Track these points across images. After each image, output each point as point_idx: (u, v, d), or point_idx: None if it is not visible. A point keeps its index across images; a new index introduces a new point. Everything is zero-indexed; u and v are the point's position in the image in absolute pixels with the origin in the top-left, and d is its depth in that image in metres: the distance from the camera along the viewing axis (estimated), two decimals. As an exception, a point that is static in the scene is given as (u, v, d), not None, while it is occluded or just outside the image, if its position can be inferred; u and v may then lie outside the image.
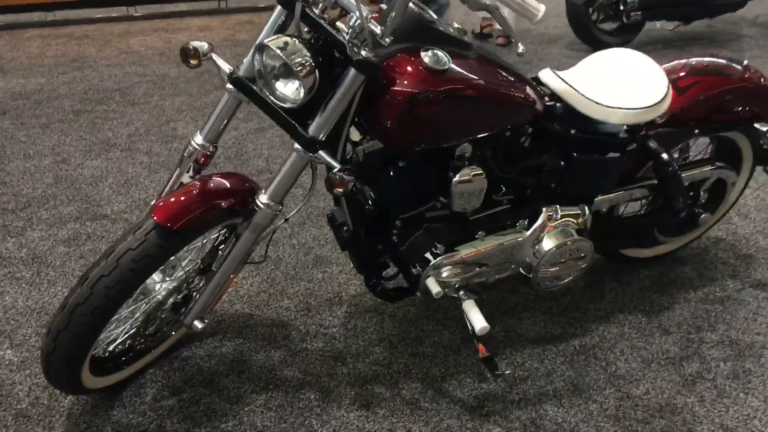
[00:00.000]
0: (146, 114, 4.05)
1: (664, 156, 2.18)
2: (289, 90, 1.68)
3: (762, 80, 2.33)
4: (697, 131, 2.29)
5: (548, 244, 2.13)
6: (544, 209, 2.15)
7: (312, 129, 1.70)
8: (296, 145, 1.72)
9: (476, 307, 2.04)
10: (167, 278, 1.94)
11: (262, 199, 1.77)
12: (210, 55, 1.84)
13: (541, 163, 2.13)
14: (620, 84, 2.15)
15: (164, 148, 3.60)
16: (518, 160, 2.09)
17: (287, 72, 1.65)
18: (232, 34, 5.79)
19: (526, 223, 2.16)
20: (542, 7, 1.57)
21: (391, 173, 1.94)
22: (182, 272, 1.93)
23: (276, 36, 1.65)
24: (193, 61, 1.82)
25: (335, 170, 1.69)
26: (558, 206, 2.17)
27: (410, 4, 1.76)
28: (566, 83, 2.05)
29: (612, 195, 2.29)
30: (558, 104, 2.07)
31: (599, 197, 2.26)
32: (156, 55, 5.21)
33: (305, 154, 1.72)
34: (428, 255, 2.07)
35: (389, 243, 2.10)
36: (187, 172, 1.87)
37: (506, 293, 2.50)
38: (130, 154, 3.55)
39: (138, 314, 1.92)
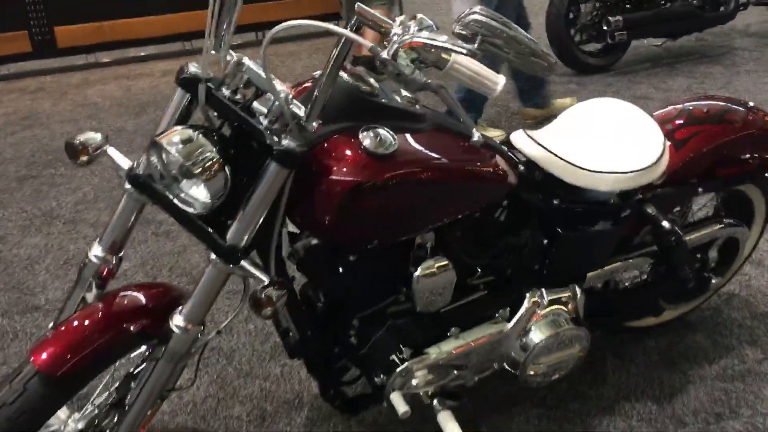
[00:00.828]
0: (96, 177, 3.70)
1: (665, 224, 1.85)
2: (198, 192, 1.35)
3: (770, 123, 2.02)
4: (701, 189, 1.96)
5: (536, 336, 1.80)
6: (527, 295, 1.82)
7: (230, 235, 1.37)
8: (212, 256, 1.39)
9: (453, 420, 1.71)
10: (75, 413, 1.60)
11: (177, 321, 1.43)
12: (105, 149, 1.52)
13: (520, 243, 1.80)
14: (607, 143, 1.83)
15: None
16: (492, 242, 1.76)
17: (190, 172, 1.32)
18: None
19: (508, 312, 1.82)
20: (501, 79, 1.25)
21: (341, 270, 1.61)
22: (92, 408, 1.58)
23: (172, 129, 1.32)
24: (82, 157, 1.49)
25: (261, 286, 1.36)
26: (544, 290, 1.83)
27: (344, 75, 1.44)
28: (542, 147, 1.72)
29: (606, 268, 1.96)
30: (536, 172, 1.75)
31: (591, 273, 1.93)
32: (114, 106, 4.89)
33: (224, 266, 1.39)
34: (394, 358, 1.73)
35: (347, 345, 1.76)
36: (89, 290, 1.53)
37: (493, 381, 2.16)
38: (74, 227, 3.21)
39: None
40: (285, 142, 1.30)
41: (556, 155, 1.72)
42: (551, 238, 1.79)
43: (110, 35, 5.78)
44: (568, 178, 1.74)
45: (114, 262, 1.52)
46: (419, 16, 1.26)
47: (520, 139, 1.75)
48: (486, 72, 1.24)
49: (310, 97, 1.32)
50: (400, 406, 1.66)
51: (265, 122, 1.34)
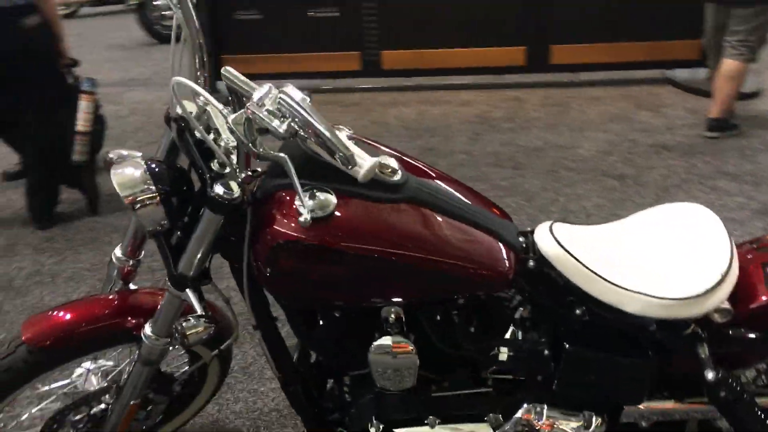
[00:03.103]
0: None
1: (710, 375, 1.47)
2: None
3: None
4: (795, 344, 1.50)
5: (526, 453, 1.58)
6: (525, 406, 1.61)
7: (181, 264, 1.50)
8: (167, 281, 1.54)
9: None
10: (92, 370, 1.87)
11: (147, 330, 1.62)
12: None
13: (519, 346, 1.59)
14: (653, 258, 1.52)
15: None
16: (474, 337, 1.59)
17: None
18: (488, 110, 5.62)
19: (501, 417, 1.63)
20: (367, 164, 1.16)
21: (318, 330, 1.63)
22: (99, 382, 1.85)
23: (130, 158, 1.49)
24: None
25: (182, 318, 1.48)
26: (546, 406, 1.60)
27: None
28: (561, 246, 1.50)
29: (652, 407, 1.61)
30: (551, 272, 1.53)
31: (630, 408, 1.61)
32: (400, 127, 5.29)
33: (174, 290, 1.53)
34: (368, 428, 1.68)
35: (341, 401, 1.77)
36: (115, 286, 1.79)
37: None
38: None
39: (46, 403, 1.88)
40: (216, 189, 1.39)
41: (575, 257, 1.49)
42: (558, 351, 1.55)
43: (429, 62, 6.23)
44: (587, 288, 1.49)
45: (131, 263, 1.75)
46: (278, 88, 1.25)
47: (541, 233, 1.56)
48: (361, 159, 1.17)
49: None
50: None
51: (216, 167, 1.43)
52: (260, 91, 1.26)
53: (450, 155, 4.64)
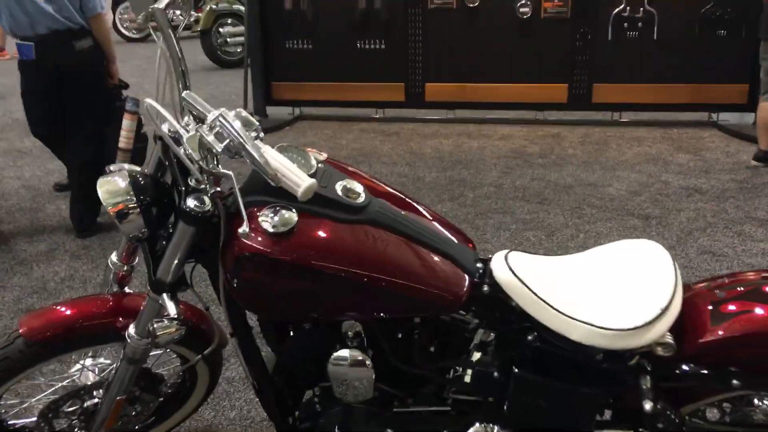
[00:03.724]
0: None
1: (647, 406, 1.51)
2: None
3: None
4: (736, 382, 1.52)
5: (473, 474, 1.65)
6: (476, 425, 1.68)
7: (159, 270, 1.64)
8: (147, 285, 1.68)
9: None
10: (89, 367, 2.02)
11: (130, 330, 1.76)
12: None
13: (470, 367, 1.67)
14: (601, 290, 1.58)
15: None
16: (429, 356, 1.67)
17: None
18: (525, 146, 5.68)
19: (454, 434, 1.71)
20: (305, 184, 1.27)
21: (287, 341, 1.74)
22: (94, 377, 1.99)
23: (118, 168, 1.63)
24: None
25: (161, 319, 1.61)
26: (497, 428, 1.66)
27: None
28: (514, 274, 1.58)
29: (602, 436, 1.66)
30: (504, 299, 1.61)
31: (583, 435, 1.66)
32: (434, 158, 5.40)
33: (153, 294, 1.67)
34: (332, 436, 1.78)
35: (313, 411, 1.87)
36: (111, 290, 1.94)
37: None
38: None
39: (45, 394, 2.03)
40: (189, 202, 1.52)
41: (527, 286, 1.56)
42: (506, 374, 1.62)
43: (471, 96, 6.34)
44: (537, 315, 1.56)
45: (125, 269, 1.90)
46: (233, 112, 1.37)
47: (497, 260, 1.63)
48: (290, 173, 1.29)
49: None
50: (299, 480, 1.72)
51: (192, 182, 1.57)
52: (213, 114, 1.39)
53: (478, 187, 4.71)
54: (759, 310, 1.53)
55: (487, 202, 4.45)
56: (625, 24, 5.95)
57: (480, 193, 4.60)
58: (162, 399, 2.16)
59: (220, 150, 1.35)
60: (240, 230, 1.44)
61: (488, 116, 6.45)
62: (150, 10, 1.55)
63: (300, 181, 1.31)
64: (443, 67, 6.33)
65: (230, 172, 1.41)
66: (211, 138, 1.35)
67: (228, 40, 9.81)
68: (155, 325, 1.62)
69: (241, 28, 9.31)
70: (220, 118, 1.34)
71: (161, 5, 1.58)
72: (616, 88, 6.14)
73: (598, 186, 4.69)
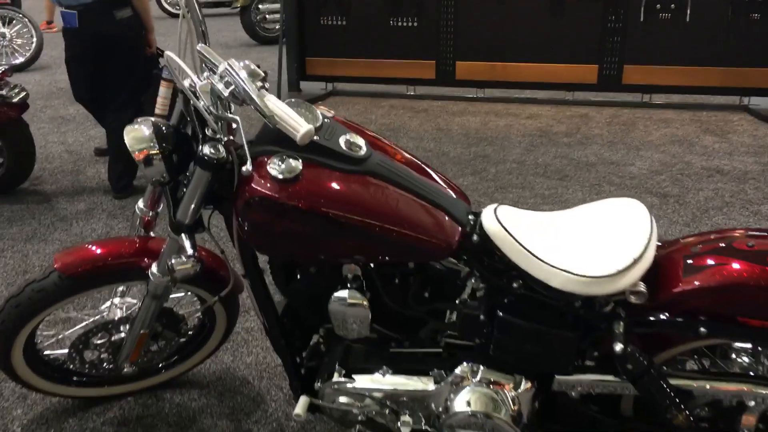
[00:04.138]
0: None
1: (618, 347, 1.63)
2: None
3: None
4: (704, 330, 1.63)
5: (458, 404, 1.79)
6: (464, 363, 1.82)
7: (178, 212, 1.81)
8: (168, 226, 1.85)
9: (359, 450, 1.85)
10: (117, 305, 2.21)
11: (153, 269, 1.94)
12: None
13: (459, 310, 1.80)
14: (583, 241, 1.70)
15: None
16: (421, 300, 1.82)
17: None
18: (552, 125, 5.75)
19: (444, 373, 1.85)
20: (304, 129, 1.42)
21: (294, 283, 1.90)
22: (122, 313, 2.18)
23: (146, 119, 1.79)
24: None
25: (173, 256, 1.78)
26: (482, 366, 1.80)
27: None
28: (501, 225, 1.71)
29: (581, 378, 1.78)
30: (492, 247, 1.74)
31: (563, 377, 1.79)
32: (460, 135, 5.50)
33: (173, 234, 1.84)
34: (333, 372, 1.94)
35: (317, 350, 2.03)
36: (139, 233, 2.12)
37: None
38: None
39: (77, 328, 2.22)
40: (204, 149, 1.68)
41: (513, 236, 1.69)
42: (492, 318, 1.75)
43: (502, 75, 6.42)
44: (521, 263, 1.69)
45: (150, 214, 2.07)
46: (241, 63, 1.51)
47: (487, 211, 1.76)
48: (290, 119, 1.43)
49: None
50: (299, 407, 1.88)
51: (208, 132, 1.72)
52: (222, 64, 1.54)
53: (501, 163, 4.81)
54: (728, 264, 1.63)
55: (509, 177, 4.55)
56: (658, 5, 5.96)
57: (502, 169, 4.71)
58: (183, 339, 2.35)
59: (226, 95, 1.50)
60: (243, 169, 1.59)
61: (517, 95, 6.53)
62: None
63: (299, 126, 1.45)
64: (474, 46, 6.41)
65: (237, 117, 1.56)
66: (220, 86, 1.51)
67: (267, 16, 9.98)
68: (173, 261, 1.79)
69: (279, 5, 9.49)
70: (228, 67, 1.49)
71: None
72: (647, 70, 6.15)
73: (620, 165, 4.75)
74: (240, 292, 2.20)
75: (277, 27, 9.76)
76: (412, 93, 6.75)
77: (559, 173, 4.62)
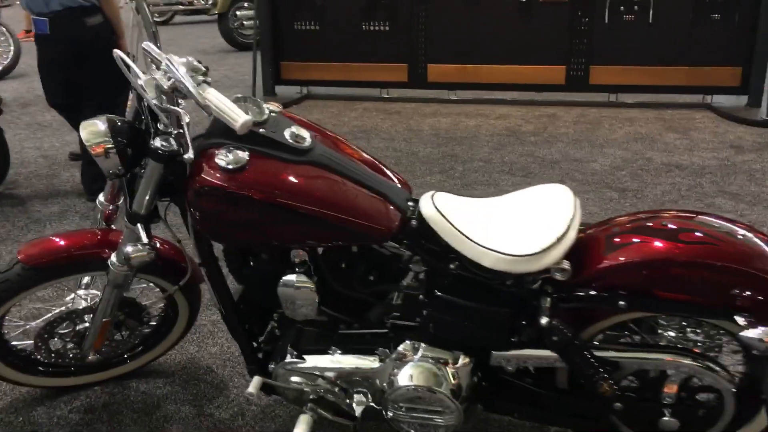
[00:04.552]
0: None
1: (543, 320, 1.76)
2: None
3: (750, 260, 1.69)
4: (623, 303, 1.75)
5: (401, 378, 1.90)
6: (406, 342, 1.93)
7: (134, 203, 1.91)
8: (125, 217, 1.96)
9: (307, 425, 1.95)
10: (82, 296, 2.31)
11: (113, 258, 2.04)
12: None
13: (400, 291, 1.92)
14: (512, 223, 1.82)
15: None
16: (361, 280, 1.93)
17: None
18: (520, 125, 5.89)
19: (387, 351, 1.96)
20: (242, 119, 1.53)
21: (247, 269, 2.00)
22: (86, 303, 2.28)
23: (93, 120, 1.90)
24: None
25: (135, 244, 1.89)
26: (423, 344, 1.92)
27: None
28: (437, 210, 1.83)
29: (516, 353, 1.90)
30: (428, 231, 1.85)
31: (498, 353, 1.90)
32: (430, 135, 5.63)
33: (128, 224, 1.94)
34: (286, 354, 2.04)
35: (272, 335, 2.13)
36: (100, 226, 2.22)
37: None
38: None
39: (42, 319, 2.32)
40: (156, 142, 1.79)
41: (448, 220, 1.81)
42: (431, 298, 1.87)
43: (472, 77, 6.57)
44: (455, 245, 1.81)
45: (111, 207, 2.18)
46: (182, 59, 1.63)
47: (425, 198, 1.88)
48: (228, 110, 1.55)
49: None
50: (252, 386, 1.98)
51: (161, 126, 1.83)
52: (164, 60, 1.65)
53: (468, 161, 4.95)
54: (645, 242, 1.76)
55: (475, 175, 4.68)
56: (622, 7, 6.13)
57: (469, 167, 4.84)
58: (147, 329, 2.45)
59: (166, 87, 1.62)
60: (186, 156, 1.70)
61: (488, 97, 6.67)
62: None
63: (237, 116, 1.57)
64: (445, 49, 6.55)
65: (180, 109, 1.68)
66: (162, 80, 1.62)
67: (244, 23, 10.09)
68: (129, 249, 1.89)
69: (255, 12, 9.62)
70: (167, 62, 1.60)
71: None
72: (612, 70, 6.32)
73: (583, 162, 4.90)
74: (200, 281, 2.30)
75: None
76: (385, 96, 6.88)
77: (524, 170, 4.75)
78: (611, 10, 6.14)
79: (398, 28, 6.60)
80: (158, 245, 2.13)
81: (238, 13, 10.03)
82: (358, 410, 1.98)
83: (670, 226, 1.79)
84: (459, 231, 1.80)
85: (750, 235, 1.80)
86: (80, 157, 4.81)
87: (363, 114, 6.38)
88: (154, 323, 2.46)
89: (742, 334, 1.67)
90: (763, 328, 1.66)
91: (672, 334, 1.95)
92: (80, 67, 4.11)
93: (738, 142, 5.26)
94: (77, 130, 4.56)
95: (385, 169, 1.97)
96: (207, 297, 2.42)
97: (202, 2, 12.66)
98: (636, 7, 6.10)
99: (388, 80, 6.77)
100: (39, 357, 2.33)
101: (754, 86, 6.03)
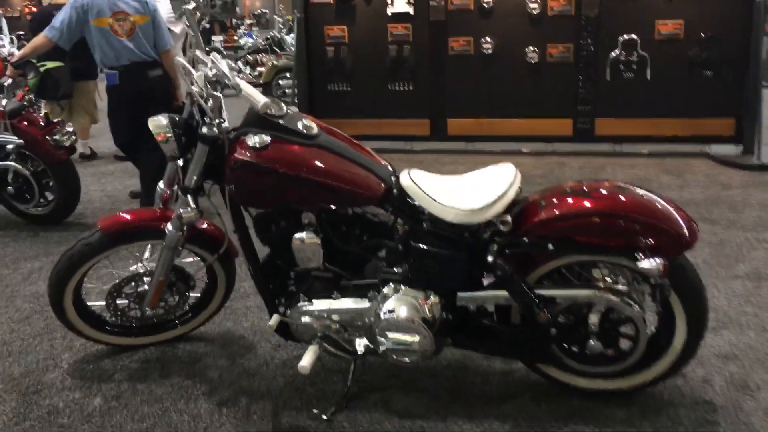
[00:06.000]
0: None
1: (489, 258, 2.32)
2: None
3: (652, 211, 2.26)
4: (550, 246, 2.31)
5: (386, 310, 2.44)
6: (391, 284, 2.49)
7: (186, 178, 2.56)
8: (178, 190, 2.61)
9: (315, 355, 2.50)
10: (144, 264, 2.93)
11: (169, 225, 2.67)
12: None
13: (386, 245, 2.50)
14: (467, 188, 2.41)
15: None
16: (357, 238, 2.52)
17: None
18: (530, 170, 6.46)
19: (376, 293, 2.52)
20: (263, 101, 2.18)
21: (270, 233, 2.61)
22: (146, 269, 2.90)
23: (159, 116, 2.56)
24: None
25: (183, 209, 2.52)
26: (403, 286, 2.48)
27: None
28: (413, 181, 2.43)
29: (476, 294, 2.45)
30: (406, 198, 2.44)
31: (463, 294, 2.45)
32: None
33: (182, 196, 2.59)
34: (299, 299, 2.62)
35: (290, 292, 2.71)
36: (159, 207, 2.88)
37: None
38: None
39: (109, 285, 2.94)
40: (203, 129, 2.45)
41: (419, 186, 2.41)
42: (409, 249, 2.45)
43: (488, 130, 7.22)
44: (426, 207, 2.40)
45: (168, 192, 2.82)
46: (224, 61, 2.29)
47: (404, 173, 2.49)
48: (254, 95, 2.20)
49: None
50: (272, 320, 2.56)
51: (207, 119, 2.48)
52: (210, 58, 2.32)
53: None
54: (567, 200, 2.33)
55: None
56: (621, 66, 6.78)
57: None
58: (193, 298, 3.05)
59: (211, 75, 2.28)
60: (204, 129, 2.37)
61: (504, 148, 7.30)
62: (183, 9, 2.54)
63: (259, 98, 2.22)
64: (463, 105, 7.25)
65: (219, 94, 2.34)
66: (208, 71, 2.28)
67: (286, 91, 11.01)
68: (182, 211, 2.53)
69: (294, 77, 10.53)
70: (211, 59, 2.27)
71: (190, 6, 2.56)
72: (616, 122, 6.92)
73: (581, 197, 5.42)
74: (235, 255, 2.91)
75: (296, 100, 10.79)
76: (409, 148, 7.57)
77: (527, 204, 5.30)
78: (612, 68, 6.79)
79: (420, 88, 7.34)
80: (204, 223, 2.76)
81: (280, 82, 10.98)
82: (358, 346, 2.53)
83: (588, 188, 2.36)
84: (428, 195, 2.39)
85: (654, 196, 2.36)
86: (139, 195, 5.54)
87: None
88: (198, 294, 3.06)
89: (640, 264, 2.20)
90: (657, 260, 2.19)
91: (607, 278, 2.45)
92: (142, 111, 4.86)
93: (728, 182, 5.75)
94: (136, 165, 5.36)
95: (374, 153, 2.59)
96: (239, 286, 3.03)
97: (250, 76, 13.78)
98: (634, 66, 6.74)
99: (413, 134, 7.46)
100: (108, 316, 2.95)
101: (747, 135, 6.55)
